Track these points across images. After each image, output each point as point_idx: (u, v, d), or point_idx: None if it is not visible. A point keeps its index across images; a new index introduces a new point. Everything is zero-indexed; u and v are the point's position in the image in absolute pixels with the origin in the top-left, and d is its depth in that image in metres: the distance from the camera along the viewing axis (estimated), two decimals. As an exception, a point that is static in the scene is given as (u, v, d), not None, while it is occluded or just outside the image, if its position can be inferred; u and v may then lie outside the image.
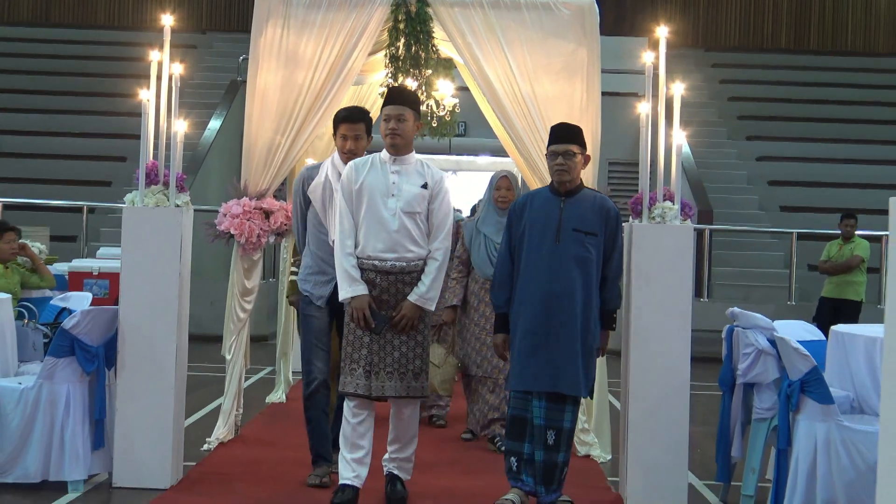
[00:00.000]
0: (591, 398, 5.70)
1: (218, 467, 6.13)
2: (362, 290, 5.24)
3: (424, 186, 5.35)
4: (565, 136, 5.34)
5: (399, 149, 5.37)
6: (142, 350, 5.64)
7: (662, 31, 5.62)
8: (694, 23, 21.23)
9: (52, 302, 7.04)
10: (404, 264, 5.28)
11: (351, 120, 5.83)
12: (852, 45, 21.27)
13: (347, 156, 5.62)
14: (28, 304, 6.68)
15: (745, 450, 5.67)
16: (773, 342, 5.40)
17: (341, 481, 5.34)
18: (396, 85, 5.94)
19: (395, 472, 5.50)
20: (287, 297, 7.15)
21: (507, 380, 5.50)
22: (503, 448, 5.78)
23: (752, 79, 19.70)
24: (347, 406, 5.37)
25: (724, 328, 5.87)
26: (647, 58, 5.67)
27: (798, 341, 5.27)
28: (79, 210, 13.43)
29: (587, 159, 5.42)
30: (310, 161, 7.19)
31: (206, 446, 6.55)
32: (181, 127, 5.90)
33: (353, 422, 5.33)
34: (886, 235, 3.50)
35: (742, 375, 5.57)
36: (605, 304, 5.34)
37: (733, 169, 16.99)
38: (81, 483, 5.56)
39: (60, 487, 5.52)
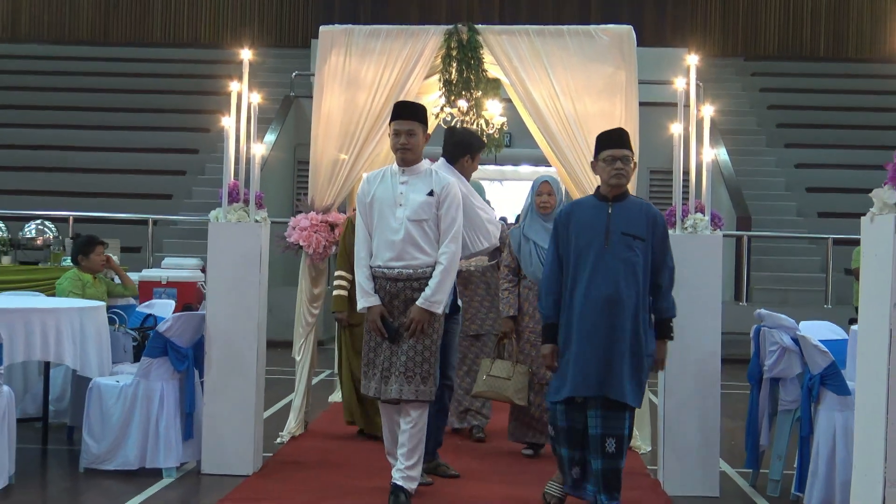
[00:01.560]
0: (639, 407, 5.43)
1: (293, 457, 6.72)
2: (374, 301, 5.49)
3: (430, 194, 5.51)
4: (621, 140, 5.38)
5: (409, 162, 5.59)
6: (227, 351, 6.21)
7: (693, 59, 6.14)
8: (734, 32, 21.52)
9: (137, 309, 7.69)
10: (411, 271, 5.47)
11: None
12: (890, 53, 21.39)
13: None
14: (118, 311, 7.30)
15: (772, 439, 6.17)
16: (796, 340, 5.89)
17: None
18: (403, 100, 6.12)
19: (400, 482, 5.50)
20: (333, 311, 7.27)
21: (553, 389, 5.39)
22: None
23: (790, 87, 19.86)
24: (384, 411, 5.65)
25: (752, 328, 6.34)
26: (679, 83, 6.13)
27: (822, 340, 5.78)
28: (143, 223, 13.81)
29: (635, 165, 5.51)
30: (366, 175, 7.66)
31: (279, 440, 7.13)
32: (259, 150, 6.49)
33: (388, 425, 5.69)
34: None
35: (768, 371, 6.07)
36: (661, 313, 5.34)
37: (772, 176, 17.23)
38: (174, 470, 6.16)
39: (156, 474, 6.12)
